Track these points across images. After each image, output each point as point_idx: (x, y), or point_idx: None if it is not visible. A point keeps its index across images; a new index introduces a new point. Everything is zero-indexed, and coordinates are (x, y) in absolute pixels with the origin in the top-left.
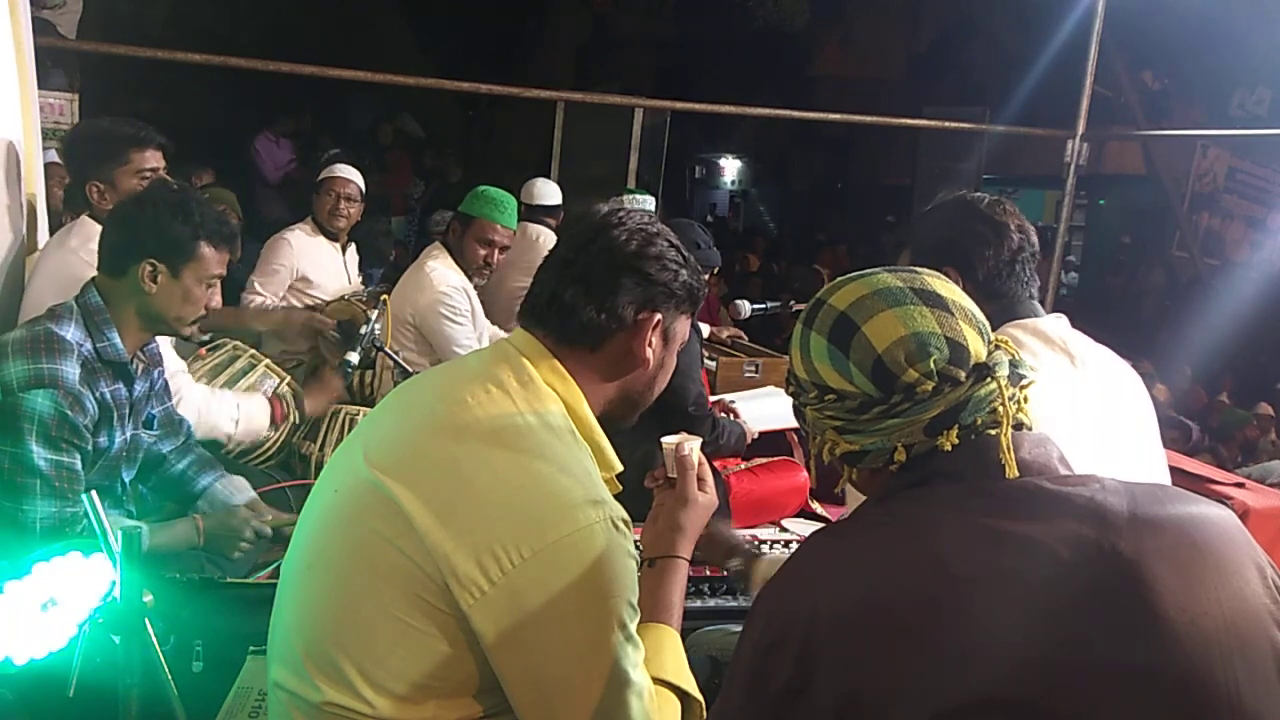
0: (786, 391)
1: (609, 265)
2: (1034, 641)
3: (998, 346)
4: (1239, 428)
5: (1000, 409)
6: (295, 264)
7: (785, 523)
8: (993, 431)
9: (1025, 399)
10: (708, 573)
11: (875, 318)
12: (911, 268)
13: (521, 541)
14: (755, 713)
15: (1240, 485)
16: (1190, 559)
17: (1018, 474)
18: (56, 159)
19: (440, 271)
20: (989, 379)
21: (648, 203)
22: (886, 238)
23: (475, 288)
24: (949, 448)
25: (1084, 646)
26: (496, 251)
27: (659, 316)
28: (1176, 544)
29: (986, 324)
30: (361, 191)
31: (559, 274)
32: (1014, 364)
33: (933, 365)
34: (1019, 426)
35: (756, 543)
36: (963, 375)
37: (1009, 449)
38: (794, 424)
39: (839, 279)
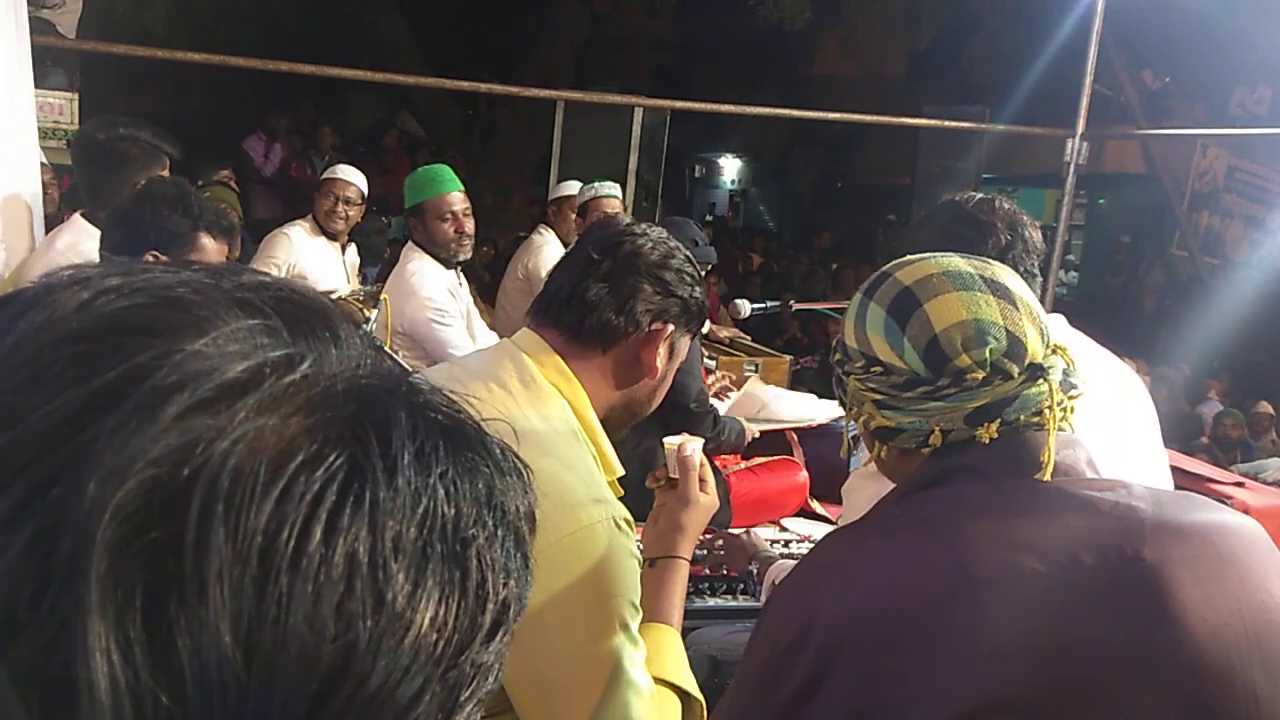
0: (831, 360)
1: (634, 269)
2: (1052, 645)
3: (1055, 351)
4: (1226, 422)
5: (1047, 412)
6: (294, 260)
7: (785, 522)
8: (1033, 431)
9: (1072, 409)
10: (707, 572)
11: (939, 297)
12: (983, 257)
13: None
14: (763, 714)
15: (1240, 484)
16: (1214, 568)
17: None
18: (44, 159)
19: (420, 275)
20: (1041, 379)
21: (614, 188)
22: (885, 237)
23: (463, 262)
24: (987, 440)
25: (1102, 652)
26: (462, 216)
27: (671, 329)
28: (1200, 553)
29: (1049, 326)
30: (363, 195)
31: (583, 271)
32: (1066, 372)
33: (988, 354)
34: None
35: (779, 544)
36: (1015, 370)
37: (1052, 451)
38: (794, 423)
39: (907, 256)
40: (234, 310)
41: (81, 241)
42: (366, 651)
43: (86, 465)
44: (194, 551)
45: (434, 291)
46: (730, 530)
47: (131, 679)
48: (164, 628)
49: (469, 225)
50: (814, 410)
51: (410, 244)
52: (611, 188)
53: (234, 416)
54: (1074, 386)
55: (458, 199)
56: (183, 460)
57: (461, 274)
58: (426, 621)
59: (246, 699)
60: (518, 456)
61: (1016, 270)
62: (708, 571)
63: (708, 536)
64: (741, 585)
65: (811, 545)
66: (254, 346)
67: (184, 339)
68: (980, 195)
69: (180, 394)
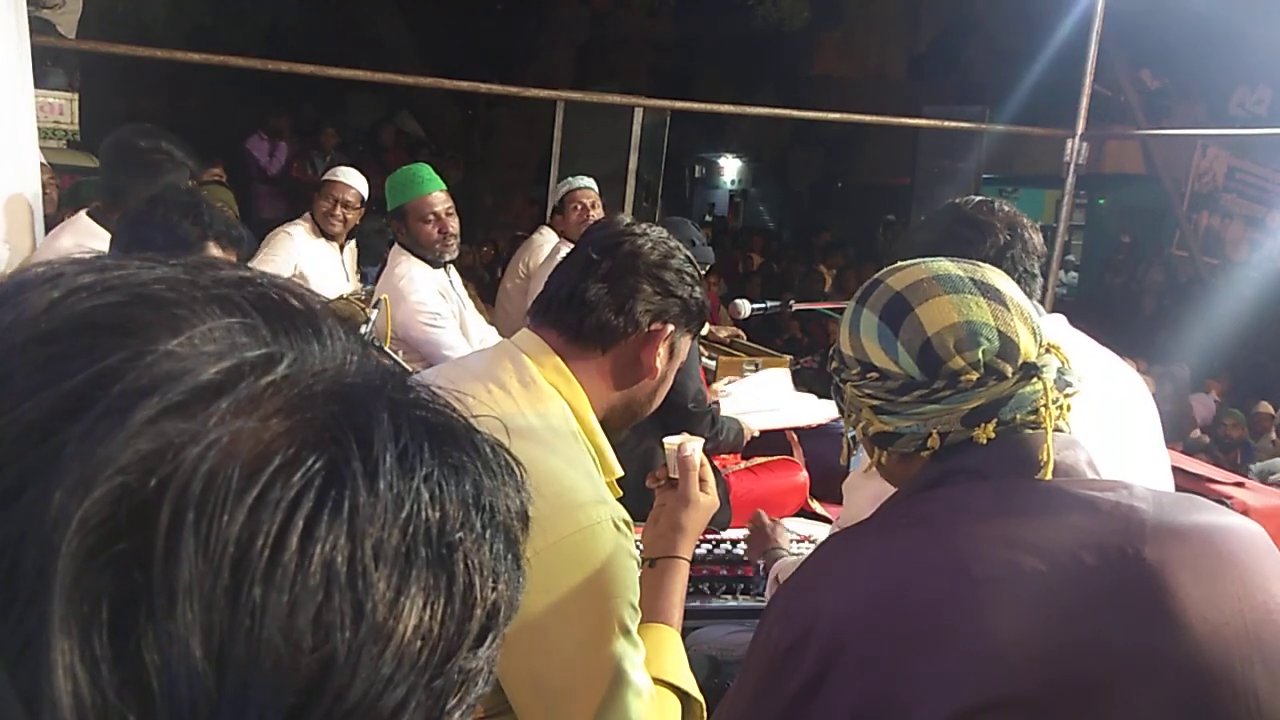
0: (828, 368)
1: (633, 269)
2: (1052, 644)
3: (1048, 350)
4: (1226, 422)
5: (1042, 410)
6: (295, 259)
7: (785, 522)
8: (1030, 431)
9: (1068, 407)
10: (706, 573)
11: (930, 301)
12: (973, 260)
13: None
14: (765, 714)
15: (1240, 484)
16: (1214, 569)
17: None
18: (44, 159)
19: (409, 278)
20: (1035, 378)
21: (588, 181)
22: (885, 237)
23: (452, 260)
24: (984, 441)
25: (1103, 651)
26: (444, 216)
27: (671, 329)
28: (1201, 553)
29: (1041, 326)
30: (362, 198)
31: (582, 271)
32: (1061, 371)
33: (980, 355)
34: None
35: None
36: (1009, 370)
37: (1050, 450)
38: (794, 423)
39: (899, 262)
40: (211, 308)
41: (86, 243)
42: (346, 663)
43: (53, 474)
44: (163, 563)
45: (423, 295)
46: (764, 517)
47: (97, 697)
48: (132, 643)
49: (453, 225)
50: (813, 412)
51: (396, 246)
52: (585, 180)
53: (208, 420)
54: (1069, 384)
55: (439, 199)
56: (153, 467)
57: (454, 272)
58: (410, 629)
59: (218, 715)
60: (509, 454)
61: (1016, 270)
62: (707, 572)
63: (708, 537)
64: (742, 585)
65: (812, 545)
66: (231, 346)
67: (158, 339)
68: (980, 198)
69: (151, 398)
